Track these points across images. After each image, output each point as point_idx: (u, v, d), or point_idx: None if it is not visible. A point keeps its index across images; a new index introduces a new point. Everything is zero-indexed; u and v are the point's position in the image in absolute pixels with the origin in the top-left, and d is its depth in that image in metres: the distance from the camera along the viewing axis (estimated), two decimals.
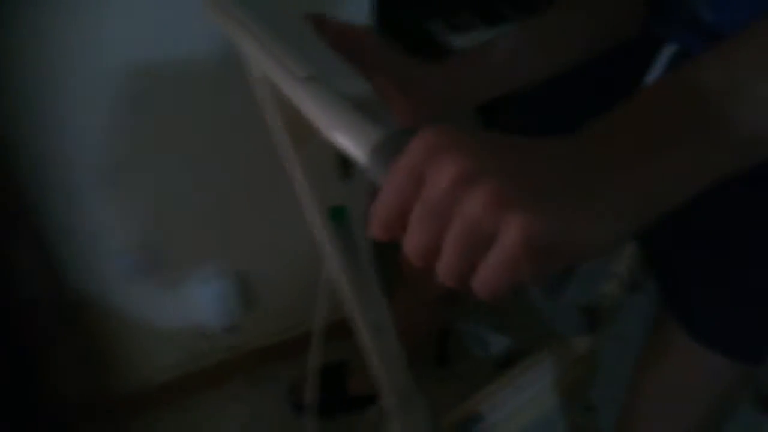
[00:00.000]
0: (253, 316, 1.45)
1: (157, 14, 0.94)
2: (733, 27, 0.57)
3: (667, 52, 0.66)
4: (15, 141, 0.96)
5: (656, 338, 0.74)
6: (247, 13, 0.50)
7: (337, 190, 0.56)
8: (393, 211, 0.30)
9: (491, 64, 0.59)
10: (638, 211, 0.29)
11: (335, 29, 0.54)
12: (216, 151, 1.14)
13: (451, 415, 0.98)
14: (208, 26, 0.68)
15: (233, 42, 0.51)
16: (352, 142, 0.33)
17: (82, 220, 1.11)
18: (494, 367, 1.37)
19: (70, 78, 0.95)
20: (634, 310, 1.06)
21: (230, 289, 1.36)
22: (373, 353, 0.66)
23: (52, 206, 1.07)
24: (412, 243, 0.30)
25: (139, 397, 1.42)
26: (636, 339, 0.85)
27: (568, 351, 1.01)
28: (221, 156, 1.15)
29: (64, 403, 1.15)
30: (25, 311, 1.04)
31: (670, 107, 0.31)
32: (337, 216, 0.56)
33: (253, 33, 0.46)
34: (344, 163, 0.38)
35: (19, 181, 1.01)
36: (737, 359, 0.65)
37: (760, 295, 0.63)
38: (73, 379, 1.15)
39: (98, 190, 1.09)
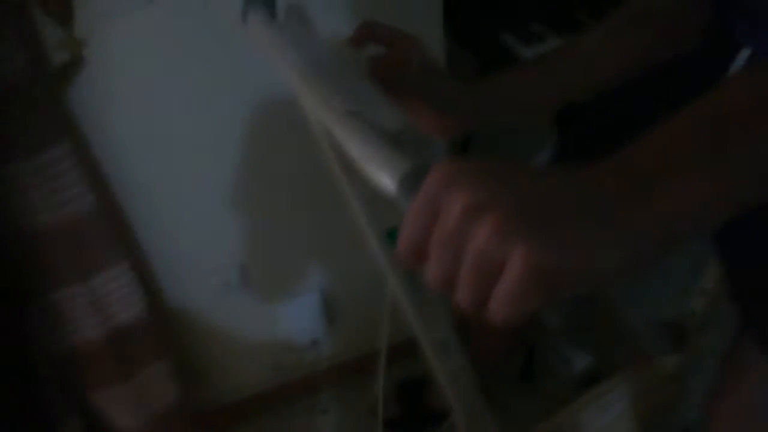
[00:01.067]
0: (335, 331, 1.49)
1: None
2: None
3: (743, 56, 0.62)
4: (125, 165, 1.06)
5: (733, 358, 0.69)
6: (286, 38, 0.53)
7: (391, 211, 0.57)
8: (414, 241, 0.32)
9: (530, 82, 0.59)
10: (653, 235, 0.29)
11: (386, 37, 0.56)
12: (304, 175, 1.19)
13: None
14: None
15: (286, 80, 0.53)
16: (383, 175, 0.35)
17: (177, 242, 1.20)
18: (578, 384, 1.33)
19: (166, 124, 1.03)
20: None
21: (315, 305, 1.41)
22: (439, 372, 0.67)
23: (153, 227, 1.16)
24: (432, 272, 0.31)
25: (228, 410, 1.50)
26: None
27: (654, 370, 0.96)
28: (309, 179, 1.20)
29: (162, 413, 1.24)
30: (126, 327, 1.13)
31: (682, 139, 0.30)
32: (394, 237, 0.58)
33: (293, 64, 0.49)
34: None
35: (123, 206, 1.11)
36: None
37: None
38: (166, 392, 1.23)
39: (192, 214, 1.17)
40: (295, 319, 1.42)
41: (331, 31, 0.57)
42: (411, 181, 0.33)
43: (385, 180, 0.34)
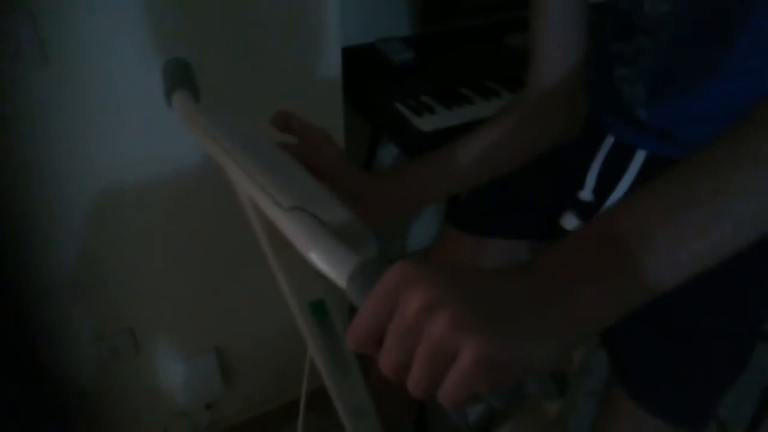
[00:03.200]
0: (232, 392, 1.45)
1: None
2: (663, 122, 0.66)
3: (607, 144, 0.74)
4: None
5: (607, 402, 0.78)
6: (223, 129, 0.56)
7: (315, 285, 0.61)
8: (369, 332, 0.35)
9: (424, 179, 0.69)
10: (577, 330, 0.34)
11: (297, 128, 0.62)
12: (196, 235, 1.18)
13: None
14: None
15: (214, 159, 0.56)
16: (333, 269, 0.38)
17: (57, 313, 1.13)
18: None
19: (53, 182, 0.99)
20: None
21: (210, 366, 1.37)
22: None
23: (30, 303, 1.09)
24: (387, 360, 0.35)
25: None
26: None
27: (541, 415, 1.05)
28: (200, 239, 1.19)
29: None
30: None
31: (593, 251, 0.37)
32: (318, 310, 0.61)
33: (233, 156, 0.51)
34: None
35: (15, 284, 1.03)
36: (680, 426, 0.71)
37: (699, 369, 0.70)
38: None
39: (73, 283, 1.11)
40: (188, 382, 1.37)
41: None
42: (361, 276, 0.37)
43: (336, 275, 0.38)
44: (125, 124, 1.00)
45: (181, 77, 0.63)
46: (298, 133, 0.63)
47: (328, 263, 0.39)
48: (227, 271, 1.27)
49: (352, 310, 0.62)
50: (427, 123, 1.23)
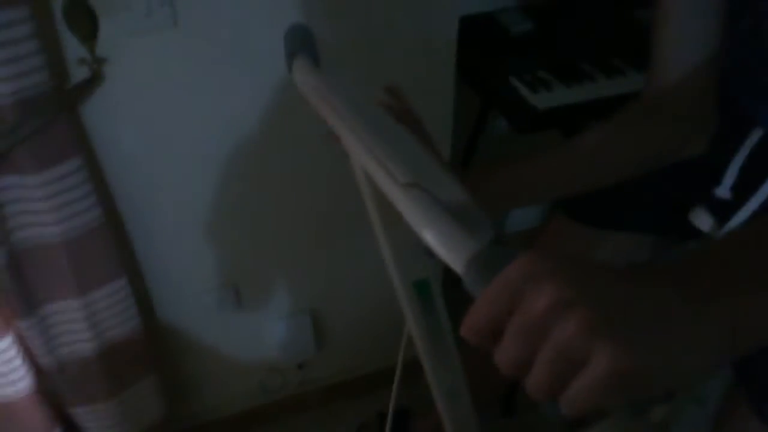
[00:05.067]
0: (323, 354, 1.49)
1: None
2: None
3: (754, 137, 0.66)
4: (129, 180, 1.06)
5: (725, 419, 0.72)
6: (341, 97, 0.55)
7: (421, 264, 0.59)
8: (486, 322, 0.33)
9: (525, 180, 0.63)
10: (726, 345, 0.30)
11: (399, 111, 0.59)
12: (300, 198, 1.21)
13: None
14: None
15: (332, 127, 0.55)
16: (449, 252, 0.36)
17: (173, 259, 1.19)
18: (562, 426, 1.35)
19: (172, 141, 1.04)
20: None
21: (304, 326, 1.41)
22: (446, 418, 0.68)
23: (148, 247, 1.16)
24: (505, 355, 0.32)
25: (213, 427, 1.49)
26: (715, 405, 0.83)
27: (642, 418, 0.99)
28: (304, 202, 1.22)
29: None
30: (119, 342, 1.12)
31: (748, 259, 0.33)
32: (421, 289, 0.59)
33: (350, 125, 0.50)
34: None
35: (126, 227, 1.11)
36: None
37: None
38: (154, 408, 1.22)
39: (188, 233, 1.17)
40: (283, 341, 1.42)
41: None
42: (482, 263, 0.34)
43: (452, 258, 0.36)
44: (248, 85, 1.03)
45: (302, 43, 0.63)
46: (397, 116, 0.60)
47: (444, 245, 0.37)
48: (330, 236, 1.29)
49: (446, 286, 0.60)
50: (542, 100, 1.17)
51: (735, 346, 0.31)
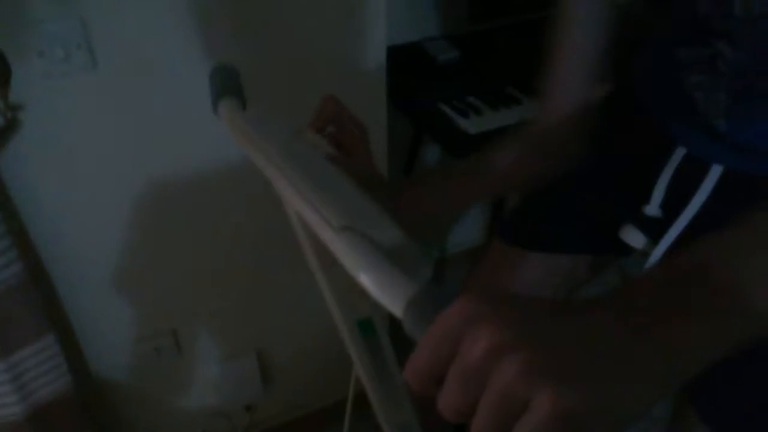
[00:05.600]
0: (271, 394, 1.45)
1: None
2: (746, 135, 0.60)
3: (678, 156, 0.69)
4: (52, 231, 1.01)
5: (676, 429, 0.74)
6: (270, 140, 0.54)
7: (363, 303, 0.58)
8: (428, 368, 0.32)
9: (445, 193, 0.67)
10: (671, 374, 0.30)
11: (343, 121, 0.60)
12: (236, 236, 1.18)
13: None
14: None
15: (261, 170, 0.54)
16: (387, 296, 0.36)
17: (105, 310, 1.13)
18: None
19: (96, 187, 1.00)
20: None
21: (249, 367, 1.37)
22: None
23: (77, 299, 1.10)
24: (447, 401, 0.31)
25: None
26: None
27: None
28: (242, 240, 1.19)
29: None
30: (49, 403, 1.05)
31: (685, 286, 0.33)
32: (365, 328, 0.58)
33: (281, 169, 0.49)
34: None
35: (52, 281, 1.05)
36: None
37: None
38: None
39: (119, 281, 1.12)
40: (228, 384, 1.37)
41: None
42: (420, 306, 0.34)
43: (391, 302, 0.35)
44: (172, 126, 1.00)
45: (228, 84, 0.61)
46: (342, 124, 0.60)
47: (381, 288, 0.36)
48: (271, 274, 1.26)
49: (392, 325, 0.59)
50: (473, 125, 1.19)
51: (675, 378, 0.31)
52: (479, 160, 0.69)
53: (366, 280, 0.37)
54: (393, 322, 0.61)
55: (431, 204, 0.67)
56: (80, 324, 1.13)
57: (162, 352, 1.24)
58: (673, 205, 0.69)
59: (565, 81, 0.68)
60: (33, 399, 1.03)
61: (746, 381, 0.65)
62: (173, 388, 1.32)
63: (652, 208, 0.71)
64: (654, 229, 0.72)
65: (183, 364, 1.29)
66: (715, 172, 0.65)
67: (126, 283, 1.12)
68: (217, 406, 1.40)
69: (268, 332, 1.36)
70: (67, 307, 1.09)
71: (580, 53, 0.66)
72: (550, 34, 0.67)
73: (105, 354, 1.19)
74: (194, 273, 1.18)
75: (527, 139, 0.70)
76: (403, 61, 1.37)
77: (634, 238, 0.73)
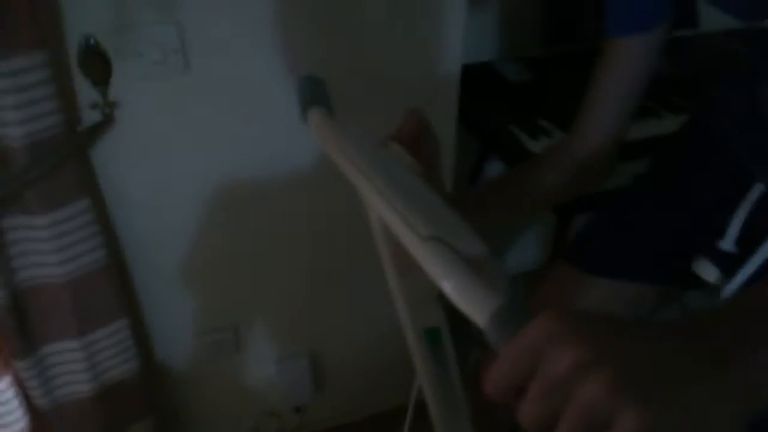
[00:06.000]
0: (321, 397, 1.47)
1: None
2: None
3: (755, 192, 0.68)
4: (134, 222, 1.07)
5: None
6: (359, 148, 0.56)
7: (433, 312, 0.60)
8: (507, 380, 0.33)
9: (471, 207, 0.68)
10: (749, 404, 0.31)
11: (423, 132, 0.62)
12: (306, 238, 1.21)
13: None
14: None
15: (347, 176, 0.56)
16: (472, 306, 0.37)
17: (173, 301, 1.19)
18: None
19: (179, 185, 1.05)
20: None
21: (301, 369, 1.40)
22: None
23: (149, 288, 1.15)
24: (529, 415, 0.33)
25: None
26: None
27: None
28: (310, 243, 1.22)
29: None
30: (117, 384, 1.11)
31: (761, 318, 0.33)
32: (432, 337, 0.60)
33: (369, 177, 0.52)
34: None
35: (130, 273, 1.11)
36: None
37: None
38: None
39: (189, 274, 1.17)
40: (280, 383, 1.40)
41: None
42: (505, 319, 0.35)
43: (475, 312, 0.37)
44: (257, 129, 1.05)
45: (316, 94, 0.64)
46: (423, 138, 0.62)
47: (467, 299, 0.37)
48: (332, 277, 1.29)
49: (454, 328, 0.60)
50: (542, 147, 1.19)
51: (753, 405, 0.31)
52: (510, 178, 0.74)
53: (451, 288, 0.39)
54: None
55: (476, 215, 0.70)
56: (150, 313, 1.18)
57: (222, 347, 1.28)
58: (749, 242, 0.68)
59: (599, 116, 0.72)
60: (102, 379, 1.08)
61: None
62: (228, 382, 1.36)
63: (727, 243, 0.70)
64: (729, 265, 0.70)
65: (240, 360, 1.33)
66: None
67: (195, 277, 1.18)
68: (268, 405, 1.43)
69: (324, 335, 1.39)
70: (139, 296, 1.15)
71: (619, 94, 0.70)
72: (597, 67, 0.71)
73: (169, 343, 1.24)
74: (257, 272, 1.23)
75: (557, 160, 0.74)
76: (476, 80, 1.38)
77: (707, 271, 0.71)
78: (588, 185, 0.75)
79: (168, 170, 1.04)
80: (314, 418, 1.51)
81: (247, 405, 1.42)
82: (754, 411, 0.31)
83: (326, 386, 1.47)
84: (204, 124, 1.01)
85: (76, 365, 1.04)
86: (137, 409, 1.17)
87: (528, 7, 1.48)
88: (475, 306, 0.37)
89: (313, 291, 1.30)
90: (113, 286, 1.02)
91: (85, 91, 0.90)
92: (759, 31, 0.71)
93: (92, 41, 0.85)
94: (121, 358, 1.09)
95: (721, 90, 0.74)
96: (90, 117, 0.92)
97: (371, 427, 1.53)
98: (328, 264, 1.27)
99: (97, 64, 0.88)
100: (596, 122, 0.72)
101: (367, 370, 1.47)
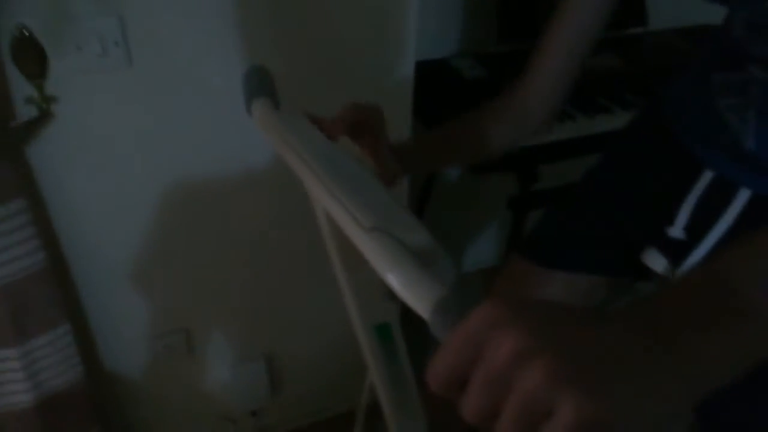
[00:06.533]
0: (278, 400, 1.45)
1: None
2: None
3: (705, 179, 0.68)
4: (75, 224, 1.02)
5: None
6: (303, 140, 0.54)
7: (383, 307, 0.58)
8: (450, 372, 0.32)
9: (427, 149, 0.76)
10: (694, 387, 0.30)
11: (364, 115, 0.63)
12: (254, 240, 1.18)
13: None
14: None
15: (292, 169, 0.55)
16: (415, 297, 0.36)
17: (120, 304, 1.14)
18: None
19: (122, 184, 1.01)
20: None
21: (257, 372, 1.37)
22: None
23: (94, 292, 1.11)
24: (470, 405, 0.31)
25: None
26: None
27: None
28: (259, 244, 1.19)
29: None
30: (59, 394, 1.06)
31: (707, 299, 0.33)
32: (383, 333, 0.58)
33: (313, 168, 0.50)
34: None
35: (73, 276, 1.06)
36: None
37: None
38: None
39: (137, 277, 1.13)
40: (236, 388, 1.37)
41: None
42: (447, 309, 0.34)
43: (418, 303, 0.35)
44: (202, 127, 1.02)
45: (261, 85, 0.62)
46: (363, 126, 0.63)
47: (409, 289, 0.36)
48: (285, 279, 1.26)
49: (404, 325, 0.59)
50: None
51: (700, 386, 0.31)
52: (457, 129, 0.78)
53: (393, 280, 0.37)
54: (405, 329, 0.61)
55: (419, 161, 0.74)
56: (95, 318, 1.14)
57: (173, 351, 1.24)
58: (698, 229, 0.69)
59: (548, 66, 0.74)
60: (44, 388, 1.03)
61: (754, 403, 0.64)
62: (182, 388, 1.32)
63: (676, 231, 0.70)
64: (677, 253, 0.71)
65: (193, 365, 1.29)
66: (743, 196, 0.65)
67: (142, 280, 1.13)
68: (224, 410, 1.40)
69: (279, 339, 1.36)
70: (83, 300, 1.10)
71: (570, 44, 0.72)
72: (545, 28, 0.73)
73: (118, 349, 1.20)
74: (208, 274, 1.19)
75: (503, 110, 0.77)
76: (430, 76, 1.38)
77: (655, 261, 0.72)
78: (529, 136, 0.77)
79: (112, 169, 1.00)
80: (271, 422, 1.48)
81: (202, 410, 1.38)
82: (701, 391, 0.31)
83: (283, 389, 1.44)
84: (148, 121, 0.97)
85: (15, 374, 0.99)
86: (84, 419, 1.12)
87: (484, 4, 1.49)
88: (418, 296, 0.36)
89: (268, 293, 1.27)
90: (53, 291, 0.98)
91: (20, 85, 0.86)
92: (707, 27, 0.72)
93: (26, 32, 0.81)
94: (64, 366, 1.04)
95: (671, 83, 0.75)
96: (26, 112, 0.88)
97: (327, 430, 1.51)
98: (283, 265, 1.24)
99: (32, 56, 0.83)
100: (545, 73, 0.74)
101: (324, 372, 1.45)
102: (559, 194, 0.96)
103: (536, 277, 0.84)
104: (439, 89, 1.37)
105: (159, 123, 0.98)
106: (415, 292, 0.36)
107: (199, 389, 1.34)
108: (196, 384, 1.33)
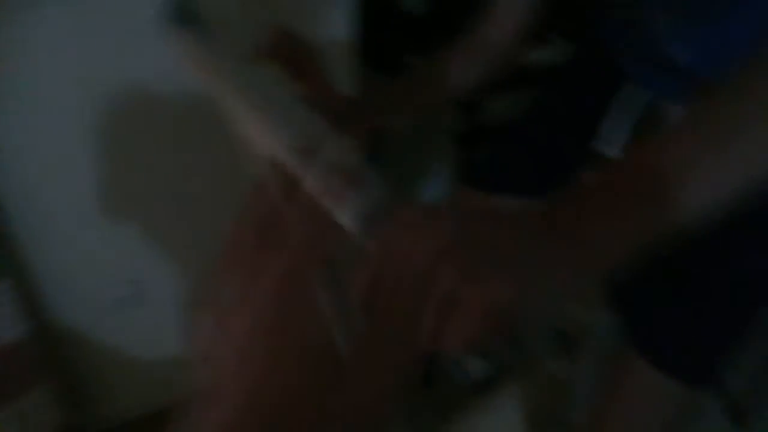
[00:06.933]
0: None
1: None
2: (704, 69, 0.62)
3: (640, 99, 0.71)
4: (7, 172, 0.98)
5: (616, 367, 0.76)
6: (225, 65, 0.52)
7: None
8: (375, 277, 0.34)
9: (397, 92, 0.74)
10: (578, 273, 0.34)
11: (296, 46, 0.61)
12: (207, 185, 1.16)
13: None
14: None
15: (211, 93, 0.53)
16: (340, 211, 0.36)
17: (66, 256, 1.11)
18: (474, 389, 1.40)
19: (56, 125, 0.96)
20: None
21: None
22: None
23: (37, 244, 1.07)
24: (396, 309, 0.33)
25: (127, 427, 1.41)
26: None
27: (543, 374, 1.04)
28: (204, 186, 1.17)
29: None
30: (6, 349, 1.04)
31: (614, 187, 0.37)
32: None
33: (234, 93, 0.48)
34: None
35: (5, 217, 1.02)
36: (689, 383, 0.69)
37: (709, 318, 0.68)
38: (53, 414, 1.15)
39: (82, 227, 1.09)
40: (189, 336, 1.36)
41: None
42: (369, 219, 0.35)
43: (343, 216, 0.36)
44: (108, 43, 0.96)
45: (182, 8, 0.59)
46: (291, 53, 0.61)
47: (335, 204, 0.36)
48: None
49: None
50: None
51: (585, 270, 0.35)
52: (425, 68, 0.77)
53: (320, 195, 0.37)
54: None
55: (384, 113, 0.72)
56: (39, 270, 1.10)
57: (125, 301, 1.23)
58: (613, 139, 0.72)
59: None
60: None
61: (679, 311, 0.68)
62: (137, 337, 1.31)
63: (613, 150, 0.73)
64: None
65: (145, 316, 1.28)
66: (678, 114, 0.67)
67: (87, 230, 1.10)
68: (179, 358, 1.39)
69: None
70: (25, 252, 1.07)
71: None
72: None
73: (65, 301, 1.17)
74: (159, 220, 1.17)
75: (469, 47, 0.77)
76: (374, 12, 1.34)
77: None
78: (505, 66, 0.78)
79: (40, 108, 0.94)
80: None
81: (157, 361, 1.38)
82: (592, 271, 0.35)
83: None
84: (80, 56, 0.93)
85: None
86: (32, 375, 1.10)
87: None
88: (344, 210, 0.36)
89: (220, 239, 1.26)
90: None
91: None
92: None
93: None
94: (6, 323, 1.02)
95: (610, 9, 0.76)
96: None
97: None
98: (233, 210, 1.22)
99: None
100: (510, 5, 0.74)
101: None
102: (504, 127, 0.96)
103: (478, 203, 0.85)
104: (381, 25, 1.34)
105: (89, 59, 0.93)
106: (342, 207, 0.36)
107: (153, 340, 1.33)
108: (150, 335, 1.32)
